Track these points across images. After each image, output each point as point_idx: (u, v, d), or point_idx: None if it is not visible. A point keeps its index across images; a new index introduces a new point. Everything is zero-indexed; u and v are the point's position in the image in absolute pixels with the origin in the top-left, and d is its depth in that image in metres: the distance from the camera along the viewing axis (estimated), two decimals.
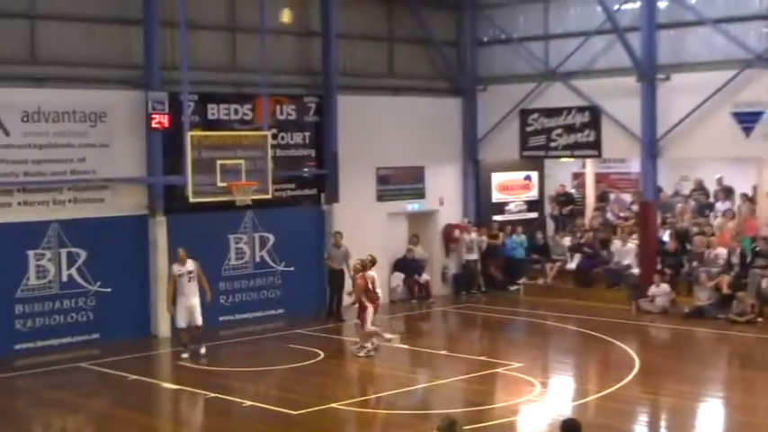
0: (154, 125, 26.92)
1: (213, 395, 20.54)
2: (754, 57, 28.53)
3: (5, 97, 25.03)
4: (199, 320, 24.51)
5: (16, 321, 25.08)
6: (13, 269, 25.20)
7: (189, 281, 24.47)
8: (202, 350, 24.37)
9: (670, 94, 30.26)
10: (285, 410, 19.42)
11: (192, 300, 24.45)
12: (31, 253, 25.60)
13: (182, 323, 24.47)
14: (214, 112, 28.63)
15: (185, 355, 24.06)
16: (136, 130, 27.11)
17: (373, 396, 20.43)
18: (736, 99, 28.99)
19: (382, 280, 31.79)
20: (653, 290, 29.41)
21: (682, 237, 31.16)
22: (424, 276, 32.87)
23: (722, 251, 29.69)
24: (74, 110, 26.22)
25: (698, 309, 28.19)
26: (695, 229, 31.32)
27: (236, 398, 20.52)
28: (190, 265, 24.57)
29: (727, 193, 33.38)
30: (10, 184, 25.27)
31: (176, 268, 24.59)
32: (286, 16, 26.37)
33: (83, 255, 26.33)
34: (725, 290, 28.25)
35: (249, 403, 20.15)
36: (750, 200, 32.44)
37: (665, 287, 29.31)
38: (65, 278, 26.15)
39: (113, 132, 26.81)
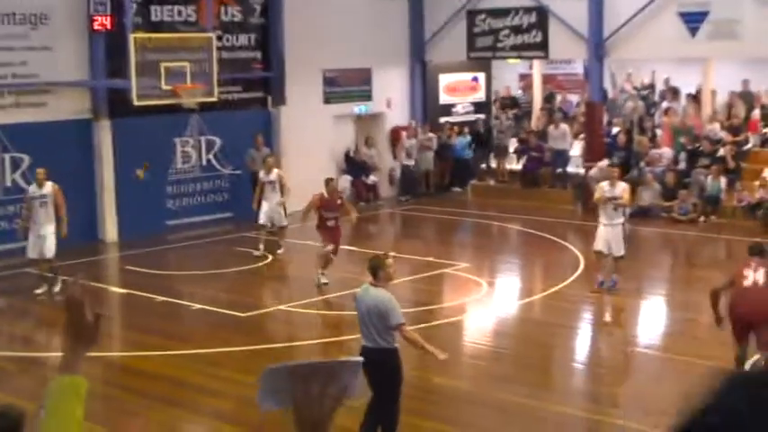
0: (96, 27, 26.72)
1: (162, 299, 20.82)
2: None
3: None
4: (49, 253, 21.46)
5: None
6: None
7: (41, 206, 21.63)
8: (56, 287, 21.30)
9: None
10: (233, 313, 19.74)
11: (44, 228, 21.52)
12: None
13: (32, 254, 21.84)
14: (157, 13, 28.37)
15: (39, 291, 21.41)
16: (78, 33, 26.92)
17: (321, 298, 20.70)
18: None
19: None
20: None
21: (630, 134, 31.60)
22: (372, 178, 33.09)
23: (667, 150, 30.17)
24: (13, 12, 25.97)
25: (642, 209, 28.63)
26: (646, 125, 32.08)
27: (186, 301, 20.83)
28: (47, 188, 21.78)
29: (674, 93, 33.88)
30: None
31: (32, 190, 22.13)
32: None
33: (26, 160, 26.30)
34: (670, 184, 28.79)
35: (198, 306, 20.48)
36: (695, 99, 32.97)
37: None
38: (8, 183, 26.22)
39: (55, 35, 26.60)
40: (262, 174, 25.66)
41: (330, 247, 21.44)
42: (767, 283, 13.99)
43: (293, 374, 3.61)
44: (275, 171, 25.51)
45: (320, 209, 21.78)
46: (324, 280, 21.23)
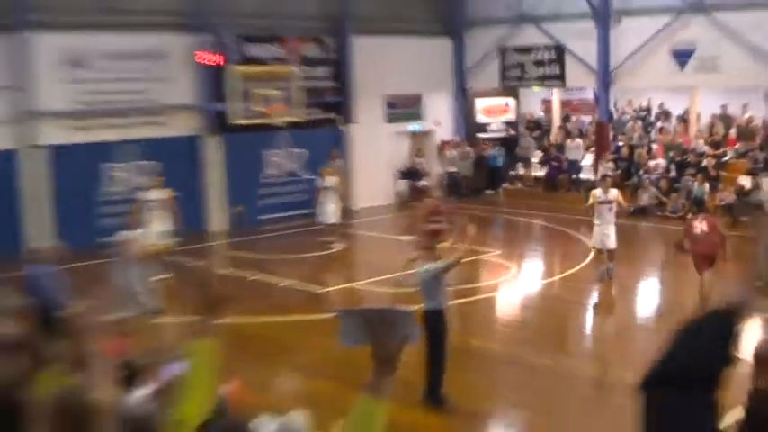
0: (204, 62, 27.23)
1: (256, 277, 21.19)
2: (687, 5, 28.84)
3: (88, 41, 25.53)
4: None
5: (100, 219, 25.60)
6: (92, 179, 25.89)
7: (155, 209, 21.43)
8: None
9: (621, 34, 30.44)
10: (314, 288, 20.10)
11: (158, 227, 20.65)
12: (107, 165, 26.25)
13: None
14: (253, 50, 28.71)
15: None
16: (190, 67, 27.38)
17: (385, 277, 20.94)
18: (674, 39, 29.30)
19: (389, 187, 32.31)
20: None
21: (633, 148, 31.66)
22: (423, 182, 33.27)
23: (661, 161, 30.27)
24: (140, 51, 26.53)
25: (641, 208, 28.69)
26: (644, 141, 32.19)
27: (275, 279, 21.20)
28: (162, 193, 21.88)
29: (666, 115, 33.90)
30: (93, 111, 25.82)
31: (148, 194, 22.09)
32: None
33: (152, 167, 26.69)
34: (664, 188, 28.93)
35: (284, 283, 20.86)
36: (684, 121, 33.00)
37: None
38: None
39: (172, 68, 27.12)
40: (319, 180, 25.39)
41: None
42: (709, 228, 17.38)
43: (365, 318, 3.78)
44: (330, 178, 25.09)
45: (429, 215, 20.75)
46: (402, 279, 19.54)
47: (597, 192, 20.40)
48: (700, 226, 17.46)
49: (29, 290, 13.51)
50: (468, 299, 18.82)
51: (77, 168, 25.25)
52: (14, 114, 24.76)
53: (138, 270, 15.34)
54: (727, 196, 27.46)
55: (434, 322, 12.67)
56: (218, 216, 27.76)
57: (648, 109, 35.19)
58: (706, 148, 30.24)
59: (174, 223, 21.88)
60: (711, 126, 31.79)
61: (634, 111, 35.24)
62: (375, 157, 31.16)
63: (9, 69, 24.59)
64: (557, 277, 21.56)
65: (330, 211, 24.92)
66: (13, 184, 24.74)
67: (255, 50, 28.80)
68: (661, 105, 34.24)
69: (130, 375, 9.30)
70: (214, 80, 27.34)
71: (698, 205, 27.14)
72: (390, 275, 20.57)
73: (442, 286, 12.95)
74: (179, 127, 27.46)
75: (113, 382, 5.30)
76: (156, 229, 20.84)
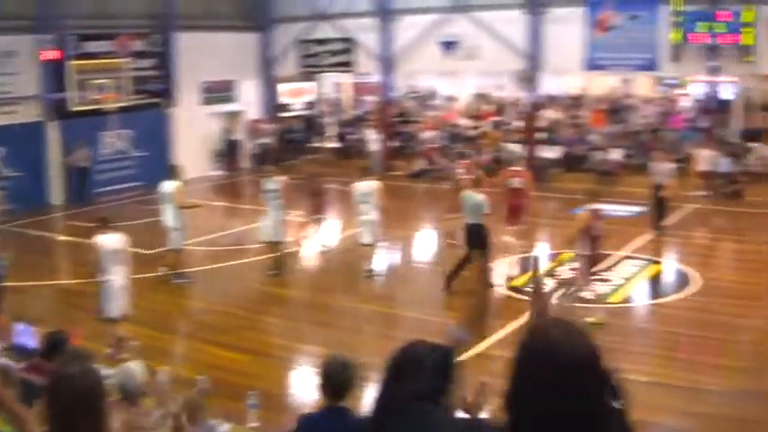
0: (45, 58, 27.55)
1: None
2: (451, 6, 31.16)
3: None
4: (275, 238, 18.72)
5: None
6: None
7: (273, 198, 18.64)
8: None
9: (399, 28, 32.47)
10: (142, 251, 20.75)
11: (273, 216, 18.65)
12: None
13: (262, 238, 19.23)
14: (88, 47, 28.77)
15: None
16: (34, 63, 27.53)
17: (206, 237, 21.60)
18: (441, 32, 31.52)
19: (206, 161, 33.12)
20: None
21: (408, 123, 33.99)
22: (237, 155, 34.09)
23: (430, 134, 32.56)
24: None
25: (415, 172, 31.12)
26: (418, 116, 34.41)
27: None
28: (274, 184, 18.75)
29: (435, 95, 36.18)
30: None
31: (265, 183, 19.08)
32: None
33: (2, 150, 27.05)
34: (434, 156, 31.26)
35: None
36: (452, 99, 35.33)
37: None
38: None
39: (20, 64, 27.15)
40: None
41: None
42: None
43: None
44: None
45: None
46: None
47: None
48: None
49: None
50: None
51: None
52: None
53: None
54: (485, 158, 29.88)
55: None
56: (57, 190, 28.39)
57: (423, 91, 37.08)
58: (466, 122, 32.80)
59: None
60: (473, 103, 34.33)
61: (413, 93, 37.06)
62: (193, 135, 31.86)
63: None
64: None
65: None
66: None
67: (91, 47, 28.90)
68: (432, 87, 36.37)
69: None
70: (54, 73, 27.65)
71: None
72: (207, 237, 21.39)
73: None
74: (25, 114, 27.56)
75: None
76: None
